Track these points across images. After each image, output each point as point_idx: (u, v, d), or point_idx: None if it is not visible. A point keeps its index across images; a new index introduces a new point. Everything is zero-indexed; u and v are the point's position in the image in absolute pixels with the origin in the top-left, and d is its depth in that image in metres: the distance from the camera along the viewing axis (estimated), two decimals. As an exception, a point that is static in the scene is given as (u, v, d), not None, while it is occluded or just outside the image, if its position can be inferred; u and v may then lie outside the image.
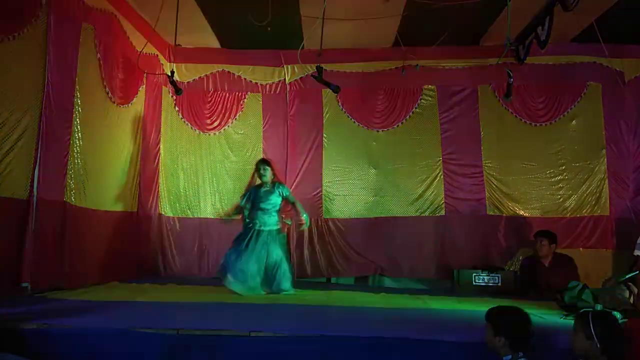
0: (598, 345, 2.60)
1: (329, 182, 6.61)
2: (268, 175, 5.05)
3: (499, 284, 5.71)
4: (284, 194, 5.10)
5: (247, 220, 5.06)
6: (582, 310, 2.96)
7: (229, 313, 3.93)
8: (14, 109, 3.96)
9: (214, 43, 6.66)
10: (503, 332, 2.76)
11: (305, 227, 5.38)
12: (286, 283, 4.97)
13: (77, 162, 4.78)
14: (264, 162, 5.17)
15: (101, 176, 5.23)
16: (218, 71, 6.81)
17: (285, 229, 5.41)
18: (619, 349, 2.63)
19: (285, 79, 6.74)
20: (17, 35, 3.94)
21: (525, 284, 5.63)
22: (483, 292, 5.60)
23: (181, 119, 6.75)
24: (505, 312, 2.86)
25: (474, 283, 5.75)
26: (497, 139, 6.51)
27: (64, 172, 4.57)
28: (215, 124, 6.75)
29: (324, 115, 6.70)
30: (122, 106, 5.56)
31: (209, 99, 6.78)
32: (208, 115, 6.76)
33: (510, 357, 2.73)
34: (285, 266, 4.98)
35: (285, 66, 6.72)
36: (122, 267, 5.62)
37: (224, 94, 6.79)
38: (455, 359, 3.07)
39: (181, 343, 3.05)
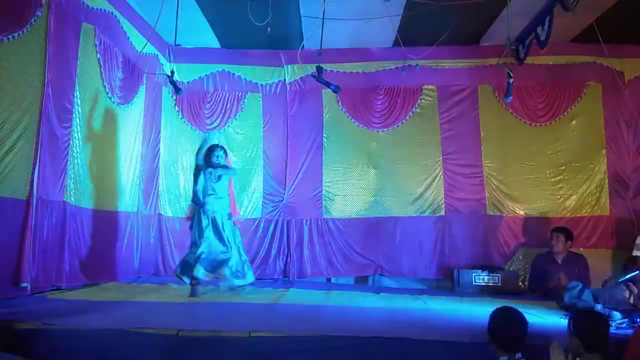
0: (579, 343, 2.65)
1: (329, 182, 6.61)
2: (223, 159, 4.90)
3: (499, 284, 5.71)
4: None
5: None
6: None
7: (229, 313, 3.94)
8: (14, 109, 3.95)
9: (214, 43, 6.66)
10: (489, 333, 2.80)
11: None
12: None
13: (77, 162, 4.78)
14: (222, 148, 4.97)
15: (101, 176, 5.22)
16: (218, 71, 6.80)
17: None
18: (602, 347, 2.65)
19: (285, 79, 6.74)
20: (17, 35, 3.93)
21: (534, 281, 5.62)
22: (483, 292, 5.61)
23: (181, 118, 6.74)
24: (493, 314, 2.88)
25: (474, 283, 5.75)
26: (497, 139, 6.51)
27: (64, 172, 4.57)
28: (215, 124, 6.74)
29: (324, 115, 6.70)
30: (122, 106, 5.56)
31: (209, 99, 6.78)
32: (208, 115, 6.75)
33: (506, 357, 2.73)
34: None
35: (285, 66, 6.71)
36: (122, 267, 5.61)
37: (224, 94, 6.78)
38: (454, 359, 3.07)
39: (181, 343, 3.05)
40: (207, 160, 4.88)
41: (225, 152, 4.98)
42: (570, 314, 2.84)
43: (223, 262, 4.71)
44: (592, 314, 2.91)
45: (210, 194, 4.80)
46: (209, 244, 4.71)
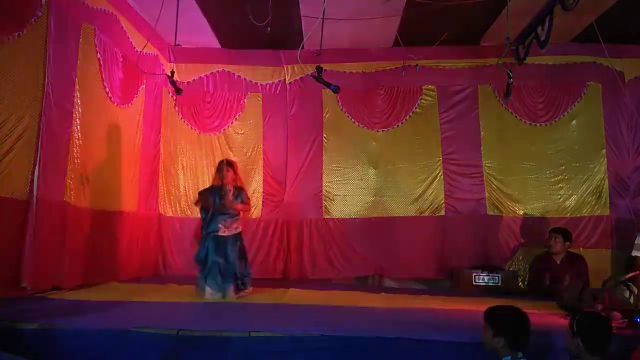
0: (581, 344, 2.65)
1: (329, 182, 6.61)
2: (229, 177, 4.78)
3: (499, 284, 5.72)
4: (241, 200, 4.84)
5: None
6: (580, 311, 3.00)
7: (229, 313, 3.94)
8: (14, 108, 3.95)
9: (214, 43, 6.66)
10: (502, 332, 2.74)
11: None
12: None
13: (77, 162, 4.78)
14: (228, 163, 4.88)
15: (101, 176, 5.22)
16: (218, 71, 6.80)
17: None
18: (603, 349, 2.65)
19: (285, 79, 6.74)
20: (17, 35, 3.93)
21: (533, 281, 5.62)
22: (483, 292, 5.61)
23: (181, 119, 6.74)
24: (504, 312, 2.84)
25: (474, 283, 5.76)
26: (497, 139, 6.51)
27: (64, 172, 4.57)
28: (215, 124, 6.75)
29: (324, 115, 6.69)
30: (122, 106, 5.56)
31: (209, 99, 6.78)
32: (208, 115, 6.75)
33: (509, 357, 2.72)
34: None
35: (285, 66, 6.71)
36: (122, 267, 5.61)
37: (224, 94, 6.78)
38: (454, 359, 3.07)
39: (181, 343, 3.05)
40: (219, 176, 4.80)
41: (231, 165, 4.86)
42: (573, 315, 2.82)
43: (229, 280, 4.63)
44: (594, 316, 2.90)
45: (223, 213, 4.70)
46: (218, 263, 4.61)
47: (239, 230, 4.82)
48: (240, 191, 4.85)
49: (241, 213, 4.90)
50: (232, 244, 4.72)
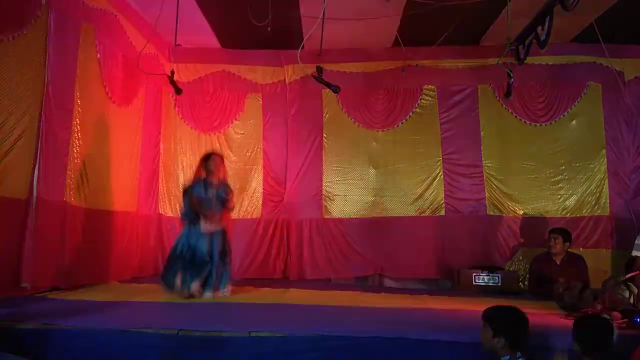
0: (578, 348, 2.68)
1: (329, 182, 6.61)
2: (222, 172, 4.70)
3: (499, 284, 5.72)
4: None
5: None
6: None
7: (229, 313, 3.94)
8: (14, 109, 3.95)
9: (214, 43, 6.66)
10: (502, 332, 2.74)
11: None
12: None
13: (77, 162, 4.78)
14: (221, 157, 4.80)
15: (101, 176, 5.22)
16: (218, 71, 6.80)
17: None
18: (601, 350, 2.65)
19: (285, 79, 6.74)
20: (17, 35, 3.93)
21: (533, 282, 5.62)
22: (483, 292, 5.60)
23: (181, 119, 6.74)
24: (504, 312, 2.84)
25: (474, 283, 5.75)
26: (497, 139, 6.51)
27: (64, 172, 4.57)
28: (216, 124, 6.74)
29: (324, 115, 6.70)
30: (122, 106, 5.56)
31: (209, 99, 6.78)
32: (208, 115, 6.75)
33: (508, 357, 2.73)
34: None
35: (285, 66, 6.71)
36: (122, 267, 5.61)
37: (224, 94, 6.78)
38: (454, 359, 3.07)
39: (181, 343, 3.05)
40: (205, 167, 4.70)
41: (223, 159, 4.84)
42: (575, 321, 2.83)
43: (203, 275, 4.53)
44: (591, 319, 2.90)
45: (207, 207, 4.58)
46: (195, 256, 4.52)
47: (223, 226, 4.71)
48: (224, 186, 4.75)
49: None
50: (217, 240, 4.62)
